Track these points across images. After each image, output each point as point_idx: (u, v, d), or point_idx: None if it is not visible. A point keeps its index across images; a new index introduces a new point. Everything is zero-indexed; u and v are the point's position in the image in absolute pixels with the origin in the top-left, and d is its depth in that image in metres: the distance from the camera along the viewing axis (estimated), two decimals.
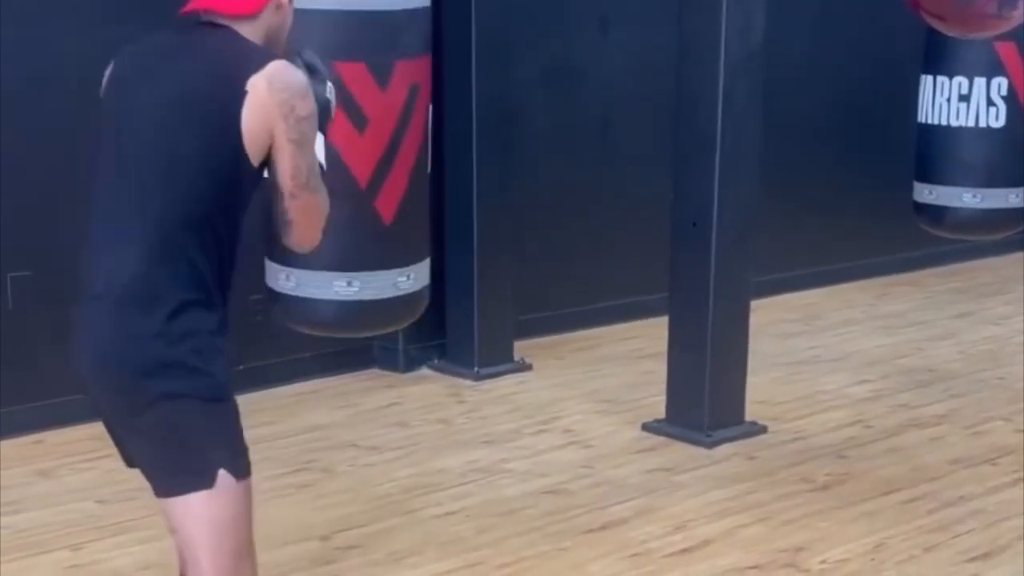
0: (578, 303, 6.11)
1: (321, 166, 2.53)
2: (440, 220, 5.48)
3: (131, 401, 2.34)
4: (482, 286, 5.41)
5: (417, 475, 4.30)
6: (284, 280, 3.49)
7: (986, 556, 3.67)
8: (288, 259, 3.43)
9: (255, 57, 2.36)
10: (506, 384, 5.34)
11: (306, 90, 2.36)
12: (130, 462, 2.51)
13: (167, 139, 2.34)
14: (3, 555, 3.62)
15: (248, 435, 4.87)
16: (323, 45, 3.15)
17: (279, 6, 2.49)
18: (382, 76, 3.25)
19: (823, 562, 3.64)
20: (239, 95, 2.30)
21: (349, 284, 3.34)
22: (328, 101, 2.54)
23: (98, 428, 4.81)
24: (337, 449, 4.54)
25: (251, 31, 2.45)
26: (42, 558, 3.62)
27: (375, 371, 5.46)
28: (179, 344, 2.31)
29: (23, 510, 3.95)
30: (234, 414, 2.43)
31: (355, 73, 3.21)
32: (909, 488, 4.19)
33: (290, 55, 2.53)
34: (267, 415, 4.89)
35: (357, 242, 3.32)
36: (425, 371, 5.49)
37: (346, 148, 3.23)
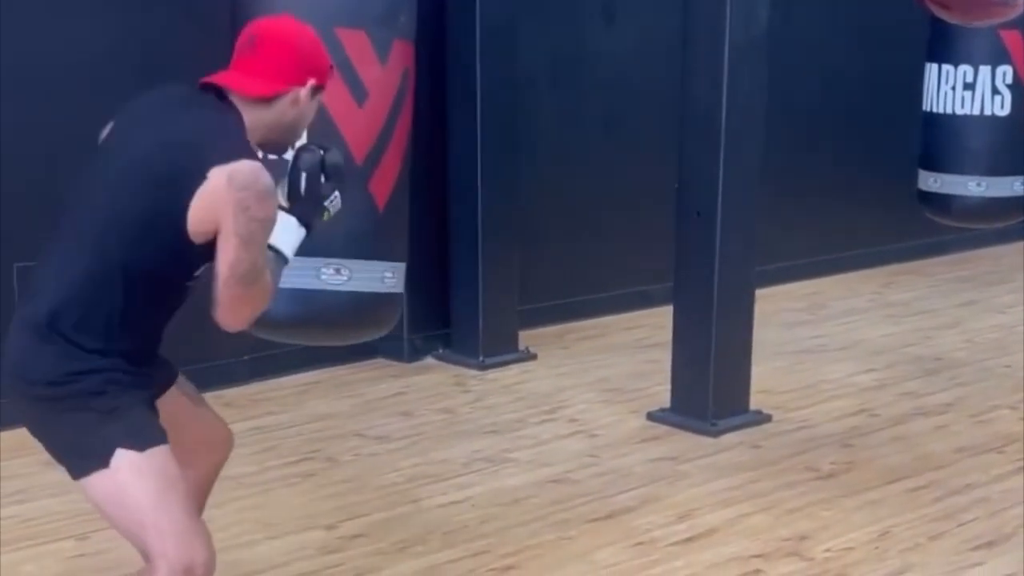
0: (583, 292, 6.11)
1: (285, 258, 2.56)
2: (444, 210, 5.48)
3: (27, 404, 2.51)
4: (486, 275, 5.41)
5: (422, 464, 4.30)
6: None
7: (991, 544, 3.67)
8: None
9: (231, 148, 2.40)
10: (511, 373, 5.34)
11: (267, 194, 2.39)
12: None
13: (118, 193, 2.44)
14: (10, 544, 3.63)
15: (253, 424, 4.91)
16: (326, 10, 3.07)
17: (296, 101, 2.53)
18: (382, 51, 3.16)
19: (827, 551, 3.65)
20: (197, 178, 2.36)
21: (338, 272, 3.17)
22: (325, 210, 2.60)
23: None
24: (342, 439, 4.55)
25: (258, 116, 2.50)
26: (48, 547, 3.63)
27: (380, 361, 5.46)
28: (63, 386, 2.44)
29: (29, 499, 3.96)
30: (120, 399, 2.47)
31: (357, 42, 3.11)
32: (914, 476, 4.19)
33: (310, 149, 2.59)
34: (272, 405, 4.90)
35: (350, 226, 3.11)
36: (430, 361, 5.49)
37: (345, 120, 3.11)
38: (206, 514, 3.97)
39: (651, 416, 4.75)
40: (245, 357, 5.09)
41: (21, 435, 4.45)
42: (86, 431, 2.45)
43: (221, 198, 2.35)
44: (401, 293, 3.39)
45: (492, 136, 5.33)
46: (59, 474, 4.14)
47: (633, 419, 4.77)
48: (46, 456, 4.37)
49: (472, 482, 4.15)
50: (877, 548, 3.65)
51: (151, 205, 2.40)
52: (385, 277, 3.24)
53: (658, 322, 5.46)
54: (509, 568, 3.54)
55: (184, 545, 2.44)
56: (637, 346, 5.72)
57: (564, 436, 4.60)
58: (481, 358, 5.40)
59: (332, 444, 4.49)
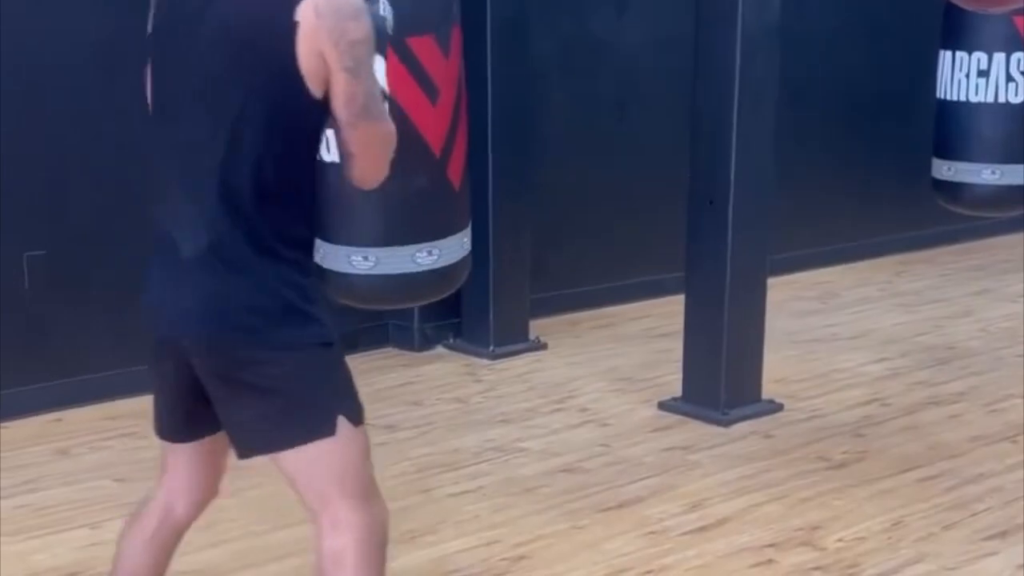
0: (594, 281, 6.10)
1: (384, 93, 2.43)
2: None
3: (235, 358, 2.29)
4: (497, 265, 5.40)
5: (433, 454, 4.30)
6: (361, 260, 3.37)
7: (1004, 534, 3.66)
8: (363, 239, 3.34)
9: None
10: (522, 363, 5.33)
11: (357, 12, 2.23)
12: (192, 432, 2.48)
13: (221, 93, 2.25)
14: (22, 534, 3.64)
15: None
16: (398, 24, 3.15)
17: None
18: (445, 45, 3.30)
19: (839, 540, 3.64)
20: (291, 27, 2.20)
21: (430, 254, 3.39)
22: (383, 19, 2.47)
23: (116, 407, 4.84)
24: None
25: None
26: (61, 536, 3.64)
27: (390, 350, 5.46)
28: (283, 292, 2.29)
29: (42, 488, 3.97)
30: (343, 360, 2.40)
31: (426, 47, 3.25)
32: (927, 466, 4.18)
33: None
34: None
35: (435, 212, 3.38)
36: (440, 350, 5.49)
37: (421, 120, 3.28)
38: (219, 503, 3.99)
39: (662, 406, 4.75)
40: None
41: (33, 424, 4.49)
42: (308, 391, 2.33)
43: (317, 33, 2.19)
44: (470, 248, 3.66)
45: (503, 125, 5.32)
46: (70, 463, 4.18)
47: (644, 409, 4.76)
48: (59, 445, 4.40)
49: (483, 471, 4.15)
50: (890, 538, 3.64)
51: (263, 80, 2.23)
52: (464, 242, 3.44)
53: (670, 311, 5.45)
54: (521, 558, 3.54)
55: (378, 509, 2.43)
56: (648, 335, 5.71)
57: (575, 425, 4.60)
58: (492, 347, 5.40)
59: None
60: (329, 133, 2.81)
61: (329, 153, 3.20)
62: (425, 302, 3.75)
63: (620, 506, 3.87)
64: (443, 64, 3.29)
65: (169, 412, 2.48)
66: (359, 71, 2.25)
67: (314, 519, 2.42)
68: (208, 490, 2.63)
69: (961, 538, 3.64)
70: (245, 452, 2.43)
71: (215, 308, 2.28)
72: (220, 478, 2.64)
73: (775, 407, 4.71)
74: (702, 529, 3.71)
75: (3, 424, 4.46)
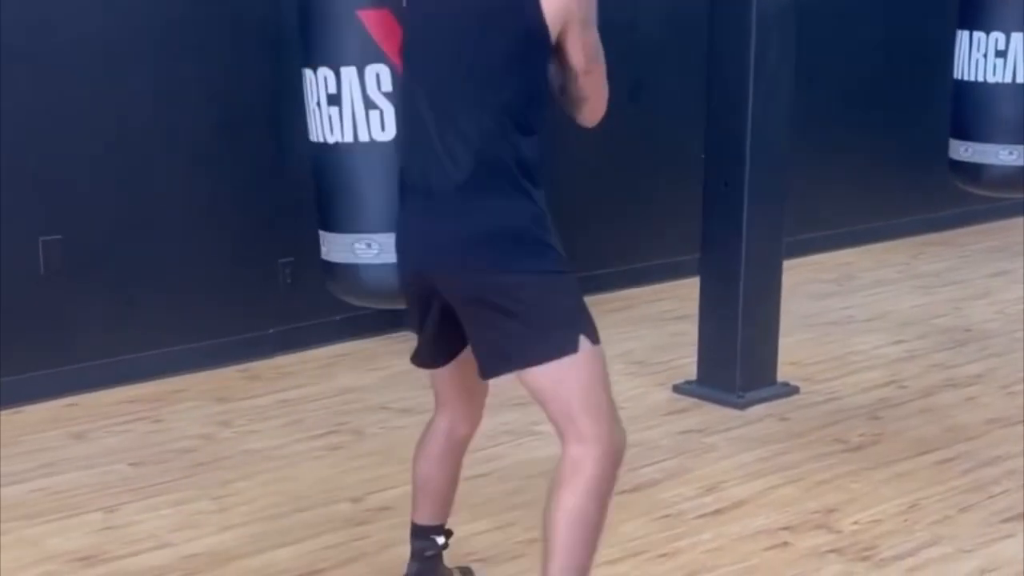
0: (609, 264, 6.09)
1: None
2: None
3: (486, 283, 2.55)
4: None
5: None
6: (364, 248, 3.31)
7: (1021, 516, 3.64)
8: (366, 225, 3.29)
9: None
10: None
11: None
12: (447, 356, 2.78)
13: (476, 36, 2.51)
14: (38, 517, 3.66)
15: (280, 397, 4.92)
16: None
17: None
18: None
19: (856, 523, 3.63)
20: None
21: None
22: None
23: (132, 391, 4.86)
24: (368, 411, 4.55)
25: None
26: (77, 519, 3.65)
27: (406, 333, 5.45)
28: (524, 221, 2.57)
29: (57, 472, 3.99)
30: (577, 284, 2.66)
31: None
32: (943, 448, 4.16)
33: None
34: (299, 378, 4.91)
35: None
36: None
37: None
38: (233, 486, 4.00)
39: (678, 388, 4.73)
40: (271, 330, 5.11)
41: (49, 408, 4.51)
42: (555, 313, 2.58)
43: None
44: None
45: None
46: (86, 447, 4.19)
47: (659, 392, 4.75)
48: (75, 429, 4.42)
49: (498, 455, 4.15)
50: (906, 520, 3.63)
51: (513, 31, 2.50)
52: None
53: (685, 294, 5.43)
54: (535, 540, 3.52)
55: (617, 430, 2.66)
56: (663, 318, 5.69)
57: None
58: None
59: (358, 417, 4.50)
60: (342, 112, 3.03)
61: (330, 134, 3.18)
62: None
63: (635, 489, 3.86)
64: None
65: (426, 341, 2.78)
66: (590, 22, 2.57)
67: (560, 433, 2.65)
68: (479, 405, 2.98)
69: (978, 520, 3.62)
70: (491, 372, 2.67)
71: (468, 237, 2.55)
72: (486, 393, 2.97)
73: (791, 390, 4.70)
74: (717, 512, 3.71)
75: (19, 408, 4.48)
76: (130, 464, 4.05)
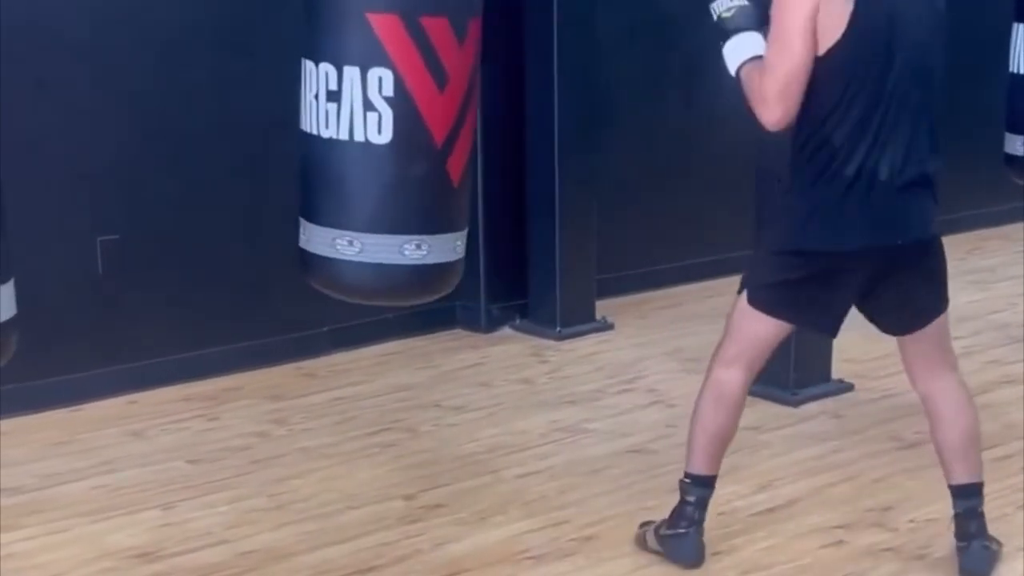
0: (660, 261, 6.07)
1: None
2: (521, 179, 5.47)
3: (933, 251, 3.23)
4: (564, 245, 5.39)
5: (500, 435, 4.31)
6: (346, 245, 3.34)
7: None
8: (350, 223, 3.31)
9: None
10: (588, 344, 5.33)
11: None
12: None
13: (930, 49, 3.15)
14: (97, 514, 3.71)
15: (334, 395, 4.95)
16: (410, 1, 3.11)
17: None
18: (460, 32, 3.20)
19: (911, 521, 3.60)
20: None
21: (419, 247, 3.27)
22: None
23: (189, 389, 4.91)
24: (421, 409, 4.58)
25: None
26: (135, 516, 3.70)
27: (458, 331, 5.48)
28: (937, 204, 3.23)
29: (116, 469, 4.04)
30: None
31: (439, 28, 3.16)
32: (1001, 445, 4.12)
33: None
34: (352, 376, 4.94)
35: (429, 204, 3.24)
36: (507, 331, 5.50)
37: (427, 106, 3.18)
38: (287, 484, 4.03)
39: None
40: (325, 328, 5.14)
41: (109, 406, 4.57)
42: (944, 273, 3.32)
43: None
44: (464, 256, 3.49)
45: (569, 104, 5.30)
46: (144, 444, 4.25)
47: None
48: (133, 427, 4.48)
49: (551, 452, 4.16)
50: None
51: (940, 37, 3.22)
52: (456, 246, 3.33)
53: (736, 290, 5.39)
54: (590, 538, 3.54)
55: None
56: (715, 315, 5.63)
57: (643, 406, 4.58)
58: (559, 328, 5.39)
59: (411, 415, 4.52)
60: (340, 109, 3.07)
61: (324, 128, 3.16)
62: (411, 302, 3.61)
63: None
64: (456, 51, 3.18)
65: (842, 308, 3.27)
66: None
67: (931, 376, 3.35)
68: None
69: None
70: (917, 326, 3.28)
71: (927, 217, 3.18)
72: None
73: (845, 387, 4.66)
74: (771, 510, 3.69)
75: (80, 406, 4.54)
76: (188, 461, 4.10)
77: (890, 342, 5.24)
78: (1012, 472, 3.90)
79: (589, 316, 5.52)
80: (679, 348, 5.22)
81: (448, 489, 3.87)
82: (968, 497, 3.31)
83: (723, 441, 3.35)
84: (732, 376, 3.31)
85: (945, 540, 3.46)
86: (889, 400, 4.59)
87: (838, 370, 4.70)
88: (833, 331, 3.35)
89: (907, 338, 3.30)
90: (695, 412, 3.36)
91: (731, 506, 3.71)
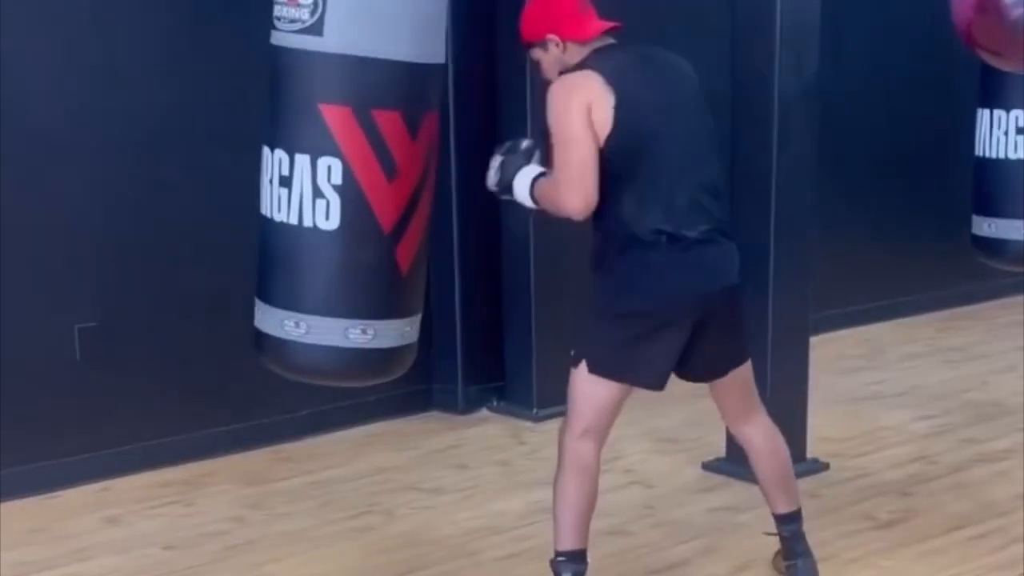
0: None
1: None
2: (497, 263, 5.52)
3: (737, 301, 3.43)
4: (539, 328, 5.42)
5: (479, 517, 4.31)
6: (292, 327, 3.38)
7: None
8: (298, 304, 3.34)
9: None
10: None
11: None
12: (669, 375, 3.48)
13: (700, 123, 3.37)
14: None
15: (311, 479, 4.93)
16: (361, 92, 3.19)
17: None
18: (413, 126, 3.28)
19: None
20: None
21: (364, 332, 3.33)
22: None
23: (165, 475, 4.87)
24: (399, 492, 4.57)
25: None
26: None
27: (435, 413, 5.48)
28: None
29: (91, 557, 4.01)
30: None
31: (391, 122, 3.25)
32: (976, 524, 4.14)
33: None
34: (329, 459, 4.93)
35: (375, 291, 3.32)
36: (485, 413, 5.51)
37: (375, 195, 3.27)
38: (264, 569, 4.00)
39: (707, 466, 4.73)
40: (302, 412, 5.14)
41: (83, 493, 4.53)
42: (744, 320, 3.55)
43: None
44: (416, 341, 3.54)
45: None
46: (119, 531, 4.21)
47: (689, 469, 4.75)
48: (108, 513, 4.44)
49: (530, 534, 4.15)
50: None
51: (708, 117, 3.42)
52: (404, 332, 3.39)
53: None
54: None
55: None
56: (691, 394, 5.64)
57: (620, 487, 4.59)
58: (536, 410, 5.40)
59: (389, 498, 4.51)
60: (291, 195, 3.21)
61: (277, 212, 3.23)
62: (359, 383, 3.69)
63: (667, 568, 3.85)
64: (408, 143, 3.26)
65: (668, 363, 3.42)
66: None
67: (747, 418, 3.60)
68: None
69: None
70: (725, 371, 3.48)
71: (734, 262, 3.39)
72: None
73: (821, 466, 4.68)
74: None
75: (53, 493, 4.51)
76: (164, 548, 4.07)
77: (865, 421, 5.31)
78: (986, 551, 3.92)
79: (566, 398, 5.52)
80: (656, 428, 5.24)
81: (427, 572, 3.85)
82: (792, 522, 3.63)
83: (590, 512, 3.45)
84: (587, 448, 3.42)
85: None
86: (864, 479, 4.61)
87: (813, 449, 4.73)
88: (661, 386, 3.48)
89: (721, 385, 3.53)
90: (558, 491, 3.42)
91: None
